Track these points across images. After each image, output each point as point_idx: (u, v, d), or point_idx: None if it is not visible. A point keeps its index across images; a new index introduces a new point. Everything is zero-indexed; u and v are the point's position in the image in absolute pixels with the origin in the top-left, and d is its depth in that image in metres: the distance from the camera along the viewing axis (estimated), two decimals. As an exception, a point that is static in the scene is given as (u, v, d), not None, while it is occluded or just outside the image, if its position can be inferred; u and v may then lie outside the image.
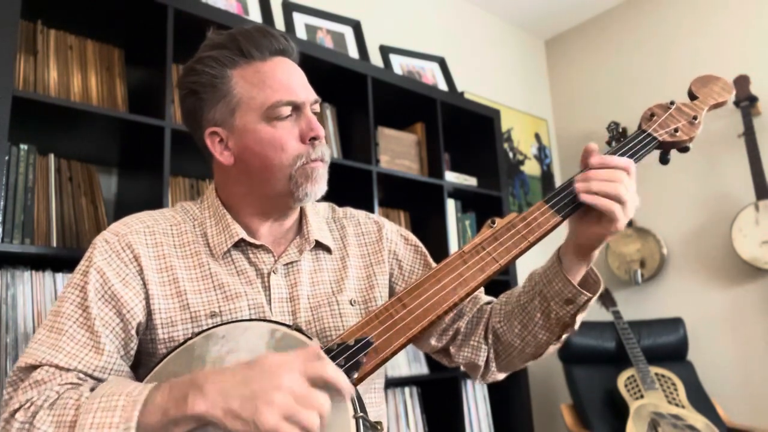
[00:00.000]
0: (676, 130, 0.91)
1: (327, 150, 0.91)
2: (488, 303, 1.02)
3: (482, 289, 1.06)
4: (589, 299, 0.88)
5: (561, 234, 0.90)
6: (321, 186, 0.90)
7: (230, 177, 0.92)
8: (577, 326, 0.92)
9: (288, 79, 0.87)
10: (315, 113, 0.91)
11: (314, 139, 0.88)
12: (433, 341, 1.01)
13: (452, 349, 1.01)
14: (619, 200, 0.80)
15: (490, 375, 1.01)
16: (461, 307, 1.00)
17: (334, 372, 0.67)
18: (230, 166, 0.90)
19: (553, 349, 0.96)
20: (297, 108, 0.88)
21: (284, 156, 0.86)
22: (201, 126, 0.91)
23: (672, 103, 0.94)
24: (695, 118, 0.92)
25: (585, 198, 0.81)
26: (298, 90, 0.88)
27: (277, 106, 0.86)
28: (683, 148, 0.93)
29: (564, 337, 0.94)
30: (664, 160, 0.94)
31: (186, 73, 0.90)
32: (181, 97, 0.92)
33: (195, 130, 0.93)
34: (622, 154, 0.88)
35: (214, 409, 0.63)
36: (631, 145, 0.89)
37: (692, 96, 0.97)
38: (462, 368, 1.04)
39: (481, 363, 0.99)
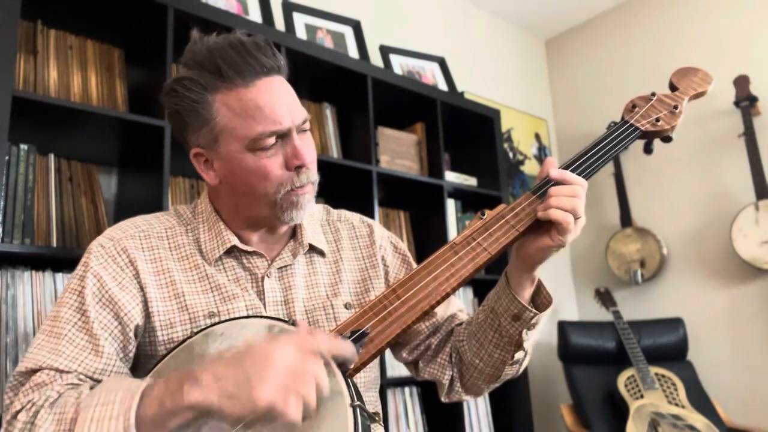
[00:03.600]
0: (657, 120, 0.93)
1: (314, 174, 0.89)
2: (460, 324, 1.02)
3: (463, 308, 1.06)
4: (534, 315, 0.87)
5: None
6: (307, 210, 0.89)
7: (219, 192, 0.93)
8: (526, 346, 0.91)
9: (272, 107, 0.83)
10: (305, 131, 0.89)
11: (300, 167, 0.86)
12: (404, 353, 1.02)
13: (421, 364, 1.02)
14: (575, 214, 0.80)
15: (455, 394, 1.01)
16: (437, 324, 1.01)
17: (328, 341, 0.68)
18: (217, 185, 0.90)
19: (512, 372, 0.96)
20: (282, 135, 0.85)
21: (268, 184, 0.85)
22: (187, 144, 0.91)
23: (653, 94, 0.96)
24: (676, 107, 0.94)
25: (542, 214, 0.80)
26: (283, 117, 0.84)
27: (261, 138, 0.83)
28: (666, 138, 0.94)
29: (520, 358, 0.93)
30: (648, 149, 0.96)
31: (168, 93, 0.88)
32: (167, 114, 0.91)
33: (183, 144, 0.93)
34: (606, 145, 0.89)
35: (209, 394, 0.64)
36: (614, 135, 0.91)
37: (673, 87, 0.99)
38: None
39: (446, 381, 1.00)
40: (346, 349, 0.70)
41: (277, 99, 0.85)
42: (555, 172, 0.83)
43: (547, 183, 0.84)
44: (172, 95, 0.87)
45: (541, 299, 0.90)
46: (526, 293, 0.88)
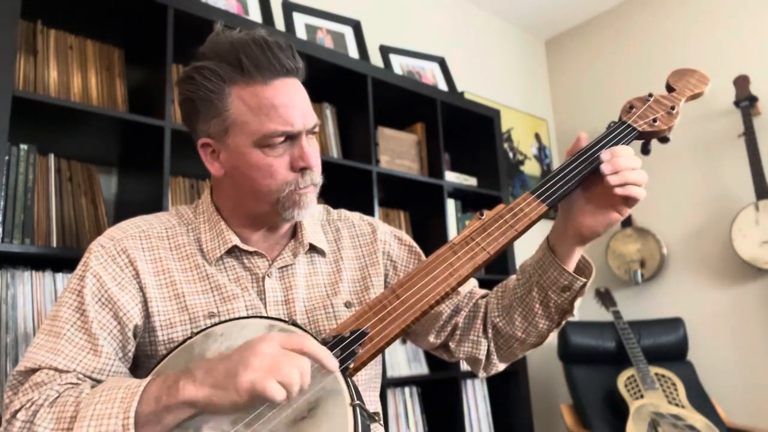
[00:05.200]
0: (654, 120, 0.93)
1: (317, 177, 0.90)
2: (483, 297, 1.03)
3: (477, 284, 1.07)
4: (585, 284, 0.90)
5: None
6: (309, 210, 0.90)
7: (222, 185, 0.93)
8: (575, 311, 0.94)
9: (286, 108, 0.84)
10: (313, 134, 0.90)
11: (304, 168, 0.87)
12: (431, 338, 1.01)
13: (452, 345, 1.02)
14: (641, 185, 0.83)
15: (492, 367, 1.02)
16: (458, 302, 1.01)
17: (314, 345, 0.70)
18: (221, 177, 0.91)
19: (553, 335, 0.98)
20: (292, 137, 0.86)
21: (272, 182, 0.86)
22: (196, 132, 0.91)
23: (650, 95, 0.96)
24: (673, 108, 0.94)
25: (621, 191, 0.82)
26: (295, 119, 0.85)
27: (271, 137, 0.84)
28: (663, 138, 0.95)
29: (563, 322, 0.96)
30: (645, 150, 0.96)
31: (184, 79, 0.88)
32: (179, 100, 0.92)
33: (191, 133, 0.94)
34: (603, 146, 0.89)
35: (202, 388, 0.66)
36: (611, 136, 0.91)
37: (670, 88, 1.00)
38: (464, 362, 1.05)
39: (482, 357, 1.00)
40: (330, 362, 0.70)
41: (292, 100, 0.86)
42: (608, 168, 0.84)
43: (588, 156, 0.87)
44: (188, 82, 0.87)
45: (581, 266, 0.93)
46: (573, 264, 0.90)
